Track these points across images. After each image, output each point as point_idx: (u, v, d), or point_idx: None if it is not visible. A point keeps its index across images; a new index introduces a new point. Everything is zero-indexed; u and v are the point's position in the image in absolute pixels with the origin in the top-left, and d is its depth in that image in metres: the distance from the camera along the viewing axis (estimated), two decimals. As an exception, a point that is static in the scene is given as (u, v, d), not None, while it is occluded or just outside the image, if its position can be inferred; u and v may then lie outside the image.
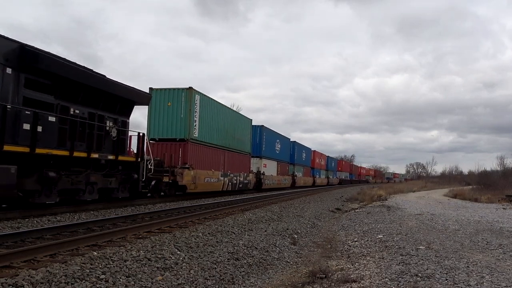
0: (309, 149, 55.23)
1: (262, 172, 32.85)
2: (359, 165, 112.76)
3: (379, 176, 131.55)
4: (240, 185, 27.34)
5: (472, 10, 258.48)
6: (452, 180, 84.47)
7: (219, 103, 24.61)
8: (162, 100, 20.75)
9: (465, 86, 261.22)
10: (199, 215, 12.41)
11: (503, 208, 21.66)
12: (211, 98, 23.26)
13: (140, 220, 11.00)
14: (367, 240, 10.73)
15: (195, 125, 20.87)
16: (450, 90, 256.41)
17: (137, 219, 11.15)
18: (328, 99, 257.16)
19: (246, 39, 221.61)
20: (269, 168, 35.54)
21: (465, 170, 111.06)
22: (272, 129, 37.66)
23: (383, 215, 16.91)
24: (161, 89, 20.80)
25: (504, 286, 6.01)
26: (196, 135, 21.02)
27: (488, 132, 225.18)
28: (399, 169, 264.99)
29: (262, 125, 34.19)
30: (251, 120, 31.37)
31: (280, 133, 40.34)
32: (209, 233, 9.51)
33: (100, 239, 7.66)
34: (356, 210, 20.63)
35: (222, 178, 24.08)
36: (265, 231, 11.17)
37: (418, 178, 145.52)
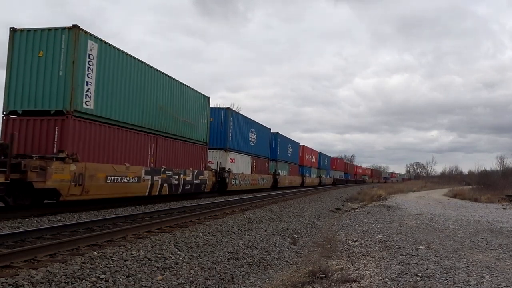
0: (297, 143, 46.52)
1: (227, 169, 24.91)
2: (354, 164, 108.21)
3: (376, 176, 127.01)
4: (187, 187, 18.92)
5: (472, 10, 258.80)
6: (452, 180, 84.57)
7: (144, 63, 15.87)
8: (30, 48, 12.74)
9: (465, 86, 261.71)
10: (199, 215, 12.41)
11: (503, 208, 21.67)
12: (125, 52, 14.71)
13: (140, 220, 11.00)
14: (367, 240, 10.74)
15: (87, 90, 12.92)
16: (450, 90, 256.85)
17: (137, 219, 11.15)
18: (328, 99, 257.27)
19: (246, 38, 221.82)
20: (240, 164, 27.43)
21: (465, 170, 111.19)
22: (245, 115, 29.84)
23: (383, 215, 16.92)
24: (28, 30, 12.88)
25: (504, 286, 6.01)
26: (90, 106, 13.03)
27: (488, 132, 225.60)
28: (399, 169, 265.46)
29: (228, 108, 26.64)
30: (209, 98, 22.11)
31: (257, 121, 32.26)
32: (209, 233, 9.52)
33: (100, 239, 7.67)
34: (356, 210, 20.64)
35: (148, 177, 15.64)
36: (265, 231, 11.18)
37: (416, 178, 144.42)
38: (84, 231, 8.76)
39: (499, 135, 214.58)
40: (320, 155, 60.15)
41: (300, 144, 48.32)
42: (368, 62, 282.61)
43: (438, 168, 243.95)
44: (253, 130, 30.76)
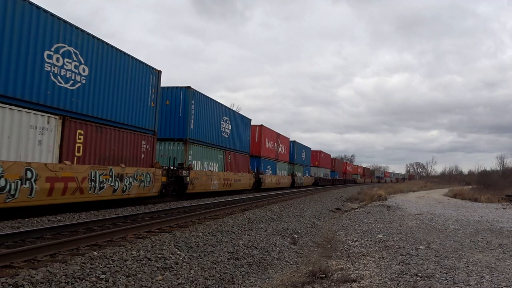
0: (247, 119, 28.85)
1: None
2: (343, 160, 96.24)
3: (369, 175, 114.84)
4: None
5: (472, 9, 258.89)
6: (452, 180, 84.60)
7: None
8: None
9: (465, 85, 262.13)
10: (199, 215, 12.42)
11: (503, 208, 21.67)
12: None
13: (140, 220, 11.01)
14: (367, 240, 10.74)
15: None
16: (450, 89, 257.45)
17: (137, 219, 11.15)
18: (328, 98, 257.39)
19: (245, 38, 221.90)
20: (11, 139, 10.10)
21: (465, 170, 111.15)
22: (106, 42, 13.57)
23: (383, 214, 16.92)
24: None
25: (504, 286, 6.01)
26: None
27: (488, 132, 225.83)
28: (399, 168, 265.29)
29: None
30: None
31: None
32: (209, 233, 9.52)
33: (100, 239, 7.67)
34: (356, 210, 20.63)
35: None
36: (265, 230, 11.18)
37: (410, 178, 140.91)
38: (84, 231, 8.76)
39: (499, 135, 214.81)
40: (294, 144, 43.89)
41: (251, 122, 29.95)
42: (367, 62, 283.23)
43: (438, 168, 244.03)
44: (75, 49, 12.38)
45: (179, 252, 7.43)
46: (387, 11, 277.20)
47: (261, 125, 32.42)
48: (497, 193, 30.74)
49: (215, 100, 23.12)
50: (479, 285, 6.05)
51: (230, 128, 25.27)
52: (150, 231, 9.19)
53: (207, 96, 21.96)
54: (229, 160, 25.11)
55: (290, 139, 42.29)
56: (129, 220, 10.88)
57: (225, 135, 24.61)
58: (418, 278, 6.41)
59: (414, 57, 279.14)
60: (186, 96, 19.84)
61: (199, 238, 8.86)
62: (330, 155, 67.85)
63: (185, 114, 19.72)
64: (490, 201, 27.13)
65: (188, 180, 18.99)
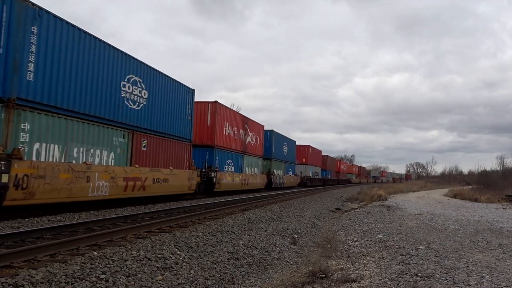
0: (184, 87, 18.54)
1: None
2: (336, 158, 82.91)
3: (364, 175, 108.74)
4: None
5: (472, 8, 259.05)
6: (452, 180, 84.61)
7: None
8: None
9: (465, 85, 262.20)
10: (199, 215, 12.42)
11: (503, 208, 21.67)
12: None
13: (140, 220, 11.00)
14: (367, 240, 10.74)
15: None
16: (450, 89, 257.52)
17: (137, 219, 11.15)
18: (328, 98, 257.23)
19: (244, 37, 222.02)
20: None
21: (465, 170, 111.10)
22: None
23: (383, 215, 16.92)
24: None
25: (504, 286, 6.01)
26: None
27: (488, 132, 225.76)
28: (399, 169, 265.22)
29: None
30: None
31: None
32: (209, 233, 9.52)
33: (100, 239, 7.67)
34: (356, 210, 20.63)
35: None
36: (265, 230, 11.18)
37: (407, 178, 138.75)
38: (84, 231, 8.75)
39: (499, 135, 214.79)
40: (271, 134, 34.43)
41: (193, 95, 19.62)
42: (367, 62, 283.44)
43: (438, 168, 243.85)
44: None
45: (179, 252, 7.44)
46: (387, 11, 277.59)
47: (216, 101, 22.98)
48: (497, 193, 30.75)
49: (105, 42, 13.20)
50: (479, 285, 6.05)
51: (145, 96, 15.52)
52: (150, 231, 9.19)
53: (78, 28, 12.03)
54: (144, 148, 15.66)
55: (265, 128, 32.74)
56: (129, 220, 10.88)
57: (133, 106, 14.85)
58: (418, 278, 6.41)
59: (414, 57, 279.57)
60: (13, 12, 9.89)
61: (199, 238, 8.86)
62: (321, 152, 56.82)
63: (10, 49, 9.83)
64: (490, 201, 27.14)
65: (6, 180, 9.33)
